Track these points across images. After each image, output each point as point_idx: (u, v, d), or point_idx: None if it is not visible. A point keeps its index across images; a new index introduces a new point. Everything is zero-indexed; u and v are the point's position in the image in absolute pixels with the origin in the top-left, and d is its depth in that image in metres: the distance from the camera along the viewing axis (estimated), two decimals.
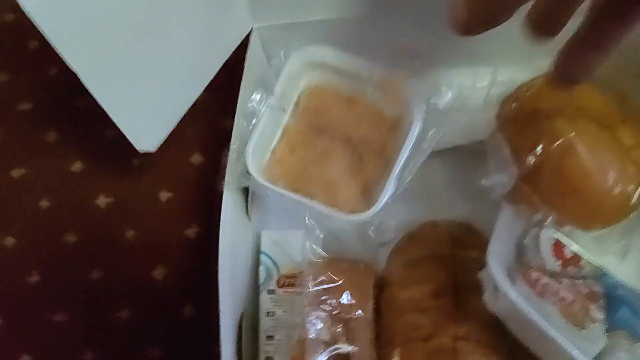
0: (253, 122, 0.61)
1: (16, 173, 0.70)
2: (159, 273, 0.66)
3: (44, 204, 0.69)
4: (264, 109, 0.61)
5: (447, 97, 0.56)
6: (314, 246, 0.54)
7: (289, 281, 0.59)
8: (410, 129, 0.58)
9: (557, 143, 0.53)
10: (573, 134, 0.51)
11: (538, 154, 0.53)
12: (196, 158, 0.69)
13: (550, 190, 0.54)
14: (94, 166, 0.71)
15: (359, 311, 0.54)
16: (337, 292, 0.54)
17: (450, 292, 0.54)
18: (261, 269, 0.60)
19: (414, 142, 0.58)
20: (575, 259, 0.53)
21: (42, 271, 0.68)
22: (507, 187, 0.55)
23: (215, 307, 0.54)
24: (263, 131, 0.61)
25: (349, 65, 0.62)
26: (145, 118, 0.58)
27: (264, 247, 0.60)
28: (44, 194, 0.70)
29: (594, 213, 0.53)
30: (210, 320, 0.59)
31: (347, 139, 0.63)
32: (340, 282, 0.54)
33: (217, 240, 0.55)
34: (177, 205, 0.68)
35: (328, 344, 0.52)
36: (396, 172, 0.57)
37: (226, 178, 0.60)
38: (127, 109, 0.55)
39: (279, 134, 0.63)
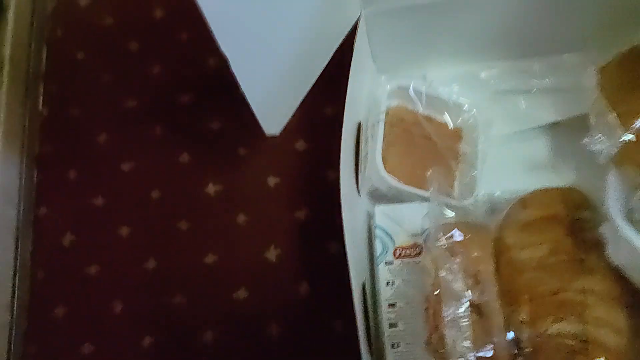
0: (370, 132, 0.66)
1: (126, 167, 0.73)
2: (272, 254, 0.68)
3: (155, 194, 0.71)
4: (379, 122, 0.65)
5: None
6: (441, 209, 0.56)
7: (405, 252, 0.61)
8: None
9: None
10: None
11: None
12: (301, 144, 0.71)
13: None
14: (200, 157, 0.73)
15: (485, 265, 0.56)
16: (465, 246, 0.56)
17: (570, 249, 0.55)
18: (377, 242, 0.61)
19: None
20: None
21: (158, 258, 0.70)
22: (614, 150, 0.57)
23: (330, 284, 0.55)
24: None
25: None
26: (273, 102, 0.60)
27: (378, 221, 0.62)
28: (154, 185, 0.72)
29: None
30: (326, 296, 0.61)
31: (434, 145, 0.68)
32: (468, 236, 0.56)
33: (328, 220, 0.57)
34: (285, 190, 0.71)
35: (461, 295, 0.53)
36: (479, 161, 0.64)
37: (360, 182, 0.65)
38: (260, 93, 0.57)
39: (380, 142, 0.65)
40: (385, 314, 0.59)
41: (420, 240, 0.61)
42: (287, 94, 0.61)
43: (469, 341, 0.51)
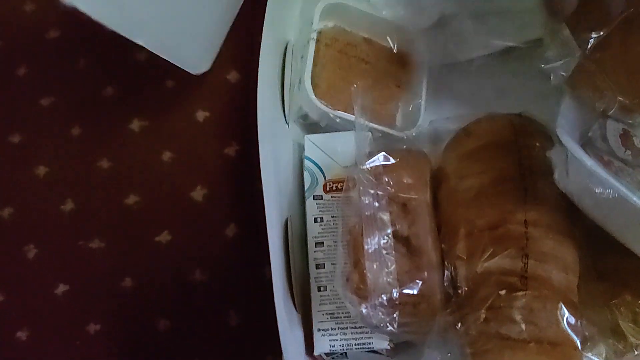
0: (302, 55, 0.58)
1: (45, 102, 0.65)
2: (198, 194, 0.61)
3: (75, 131, 0.63)
4: (310, 42, 0.58)
5: None
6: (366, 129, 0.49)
7: (336, 185, 0.53)
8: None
9: (620, 18, 0.47)
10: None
11: (601, 31, 0.48)
12: (233, 76, 0.64)
13: (615, 70, 0.48)
14: (125, 91, 0.66)
15: (417, 194, 0.48)
16: (394, 171, 0.48)
17: (515, 178, 0.48)
18: (305, 174, 0.54)
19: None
20: None
21: (76, 199, 0.63)
22: (569, 69, 0.49)
23: (260, 225, 0.49)
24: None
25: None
26: (189, 45, 0.56)
27: (307, 152, 0.55)
28: (75, 120, 0.64)
29: None
30: (255, 240, 0.53)
31: (374, 69, 0.61)
32: (396, 161, 0.48)
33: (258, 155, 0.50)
34: (215, 125, 0.63)
35: (385, 225, 0.46)
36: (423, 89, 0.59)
37: (287, 109, 0.58)
38: (168, 43, 0.52)
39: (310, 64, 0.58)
40: (312, 253, 0.51)
41: (354, 174, 0.53)
42: (205, 32, 0.54)
43: (392, 276, 0.43)
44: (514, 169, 0.48)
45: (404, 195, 0.47)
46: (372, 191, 0.46)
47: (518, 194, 0.47)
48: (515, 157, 0.49)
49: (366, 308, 0.45)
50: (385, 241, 0.45)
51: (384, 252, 0.45)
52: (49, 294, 0.59)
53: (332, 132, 0.56)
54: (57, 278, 0.60)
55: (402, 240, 0.47)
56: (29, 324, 0.59)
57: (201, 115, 0.63)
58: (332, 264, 0.52)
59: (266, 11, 0.54)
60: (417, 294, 0.45)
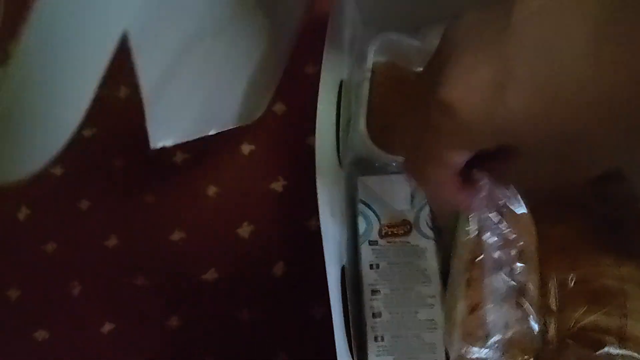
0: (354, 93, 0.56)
1: (87, 132, 0.63)
2: (245, 231, 0.59)
3: (118, 162, 0.62)
4: (364, 82, 0.55)
5: None
6: None
7: (392, 231, 0.51)
8: None
9: None
10: None
11: None
12: (279, 107, 0.61)
13: None
14: None
15: (530, 240, 0.46)
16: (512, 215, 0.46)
17: (605, 230, 0.46)
18: (360, 219, 0.52)
19: None
20: None
21: (120, 235, 0.62)
22: None
23: (309, 264, 0.47)
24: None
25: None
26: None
27: (361, 195, 0.52)
28: (119, 154, 0.63)
29: None
30: (304, 279, 0.52)
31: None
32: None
33: (308, 193, 0.48)
34: (260, 158, 0.61)
35: (505, 266, 0.44)
36: None
37: (342, 151, 0.55)
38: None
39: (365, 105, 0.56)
40: (368, 302, 0.49)
41: (410, 218, 0.51)
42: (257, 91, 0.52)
43: (509, 319, 0.41)
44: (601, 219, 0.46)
45: (518, 240, 0.45)
46: (494, 227, 0.44)
47: (610, 248, 0.45)
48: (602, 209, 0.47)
49: (480, 351, 0.43)
50: (511, 285, 0.43)
51: (507, 298, 0.43)
52: (95, 333, 0.58)
53: (386, 172, 0.53)
54: (104, 316, 0.58)
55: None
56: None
57: (246, 148, 0.61)
58: (389, 312, 0.49)
59: (325, 45, 0.51)
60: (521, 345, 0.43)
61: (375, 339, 0.48)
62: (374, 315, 0.48)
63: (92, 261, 0.59)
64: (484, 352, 0.42)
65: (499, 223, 0.44)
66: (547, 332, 0.44)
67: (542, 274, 0.45)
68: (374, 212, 0.51)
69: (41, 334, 0.58)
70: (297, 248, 0.56)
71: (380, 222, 0.51)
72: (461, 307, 0.43)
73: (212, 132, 0.47)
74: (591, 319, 0.42)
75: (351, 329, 0.48)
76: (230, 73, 0.50)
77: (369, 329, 0.48)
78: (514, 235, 0.44)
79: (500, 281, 0.43)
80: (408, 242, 0.50)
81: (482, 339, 0.42)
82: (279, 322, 0.57)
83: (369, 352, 0.48)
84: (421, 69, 0.56)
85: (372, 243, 0.50)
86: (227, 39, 0.48)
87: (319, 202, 0.47)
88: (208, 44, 0.44)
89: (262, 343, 0.56)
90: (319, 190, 0.47)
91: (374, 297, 0.49)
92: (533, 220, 0.47)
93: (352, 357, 0.48)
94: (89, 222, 0.60)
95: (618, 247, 0.44)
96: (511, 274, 0.43)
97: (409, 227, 0.50)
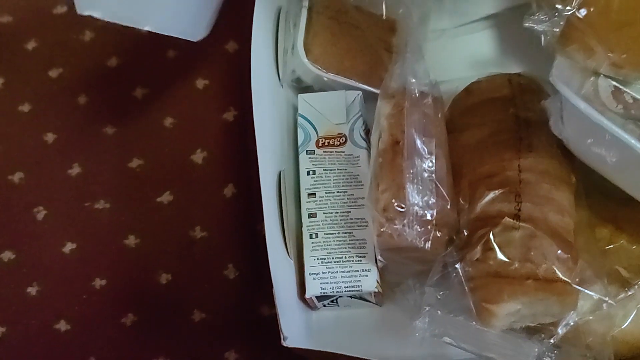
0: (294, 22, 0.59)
1: (54, 73, 0.66)
2: (198, 157, 0.62)
3: (82, 99, 0.65)
4: (302, 10, 0.58)
5: None
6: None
7: (328, 141, 0.55)
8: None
9: None
10: None
11: None
12: (231, 45, 0.65)
13: (601, 26, 0.49)
14: (129, 61, 0.66)
15: (441, 129, 0.50)
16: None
17: (512, 129, 0.49)
18: (299, 131, 0.55)
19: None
20: (638, 103, 0.47)
21: (82, 163, 0.64)
22: (557, 29, 0.50)
23: (256, 184, 0.50)
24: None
25: None
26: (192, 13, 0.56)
27: (301, 110, 0.56)
28: (82, 90, 0.65)
29: None
30: (252, 198, 0.55)
31: (364, 35, 0.60)
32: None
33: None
34: (214, 92, 0.64)
35: (424, 153, 0.47)
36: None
37: (281, 73, 0.58)
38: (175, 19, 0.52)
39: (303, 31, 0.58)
40: (305, 204, 0.52)
41: (345, 130, 0.55)
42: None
43: (432, 198, 0.45)
44: (511, 121, 0.48)
45: (434, 130, 0.48)
46: (415, 117, 0.47)
47: (514, 144, 0.47)
48: (511, 110, 0.49)
49: (402, 225, 0.46)
50: (428, 165, 0.46)
51: (425, 175, 0.46)
52: (57, 252, 0.60)
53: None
54: (65, 237, 0.60)
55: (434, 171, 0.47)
56: (38, 279, 0.60)
57: (201, 83, 0.64)
58: (323, 213, 0.53)
59: None
60: (443, 221, 0.46)
61: (311, 236, 0.51)
62: (309, 216, 0.51)
63: (56, 188, 0.61)
64: (401, 227, 0.45)
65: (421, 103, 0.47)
66: (459, 224, 0.47)
67: (456, 174, 0.49)
68: (312, 125, 0.54)
69: (7, 255, 0.61)
70: (246, 170, 0.59)
71: (317, 134, 0.54)
72: (382, 187, 0.46)
73: (146, 28, 0.49)
74: (492, 205, 0.46)
75: (287, 228, 0.51)
76: None
77: (304, 228, 0.51)
78: (431, 125, 0.48)
79: (420, 164, 0.47)
80: (343, 152, 0.53)
81: (400, 216, 0.46)
82: (229, 238, 0.59)
83: (304, 248, 0.51)
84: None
85: (309, 152, 0.53)
86: None
87: (254, 116, 0.50)
88: None
89: (213, 256, 0.58)
90: (254, 105, 0.51)
91: (309, 199, 0.52)
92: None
93: (288, 252, 0.51)
94: (54, 153, 0.62)
95: (522, 141, 0.47)
96: (430, 159, 0.46)
97: (344, 138, 0.54)
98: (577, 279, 0.43)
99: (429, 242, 0.43)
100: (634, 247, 0.46)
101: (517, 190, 0.44)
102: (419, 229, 0.43)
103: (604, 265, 0.45)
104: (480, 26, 0.61)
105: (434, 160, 0.45)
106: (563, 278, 0.42)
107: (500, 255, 0.42)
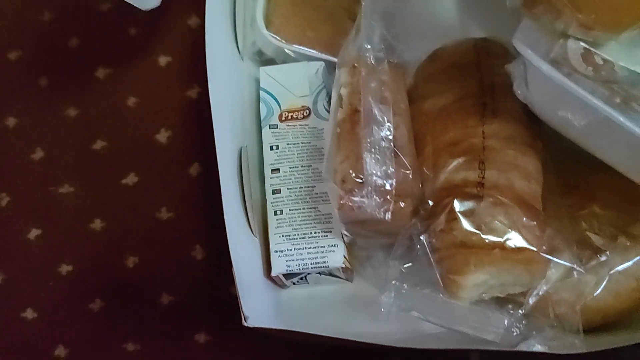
0: None
1: (12, 55, 0.64)
2: (162, 136, 0.60)
3: (43, 82, 0.63)
4: None
5: None
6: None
7: (292, 115, 0.53)
8: None
9: None
10: None
11: None
12: (193, 20, 0.63)
13: None
14: (90, 41, 0.65)
15: (401, 97, 0.49)
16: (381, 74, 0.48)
17: (476, 95, 0.47)
18: (261, 105, 0.53)
19: None
20: (609, 65, 0.46)
21: (46, 147, 0.62)
22: None
23: None
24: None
25: None
26: None
27: (263, 84, 0.54)
28: (42, 72, 0.63)
29: (621, 7, 0.46)
30: (218, 176, 0.53)
31: (326, 4, 0.60)
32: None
33: None
34: (177, 69, 0.62)
35: (382, 121, 0.46)
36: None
37: (240, 46, 0.57)
38: None
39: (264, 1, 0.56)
40: (269, 180, 0.51)
41: (309, 103, 0.53)
42: None
43: (391, 168, 0.43)
44: (475, 86, 0.47)
45: (391, 97, 0.46)
46: (371, 84, 0.45)
47: (478, 110, 0.46)
48: (476, 75, 0.47)
49: (361, 196, 0.44)
50: (386, 134, 0.45)
51: (383, 144, 0.45)
52: (22, 239, 0.58)
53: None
54: (30, 223, 0.59)
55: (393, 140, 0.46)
56: (3, 267, 0.58)
57: (163, 60, 0.62)
58: (287, 189, 0.51)
59: None
60: (399, 192, 0.45)
61: (275, 213, 0.49)
62: (273, 192, 0.50)
63: (20, 173, 0.60)
64: (360, 199, 0.44)
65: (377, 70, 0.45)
66: (424, 194, 0.46)
67: (419, 143, 0.47)
68: (274, 98, 0.52)
69: None
70: (211, 149, 0.56)
71: (280, 108, 0.52)
72: (340, 157, 0.45)
73: None
74: (456, 174, 0.44)
75: (250, 206, 0.49)
76: None
77: (269, 204, 0.49)
78: (388, 92, 0.46)
79: (377, 133, 0.45)
80: (307, 125, 0.51)
81: (359, 187, 0.44)
82: (196, 218, 0.58)
83: (269, 225, 0.49)
84: None
85: (272, 127, 0.52)
86: None
87: (210, 91, 0.48)
88: None
89: (180, 238, 0.57)
90: (209, 81, 0.49)
91: (273, 175, 0.50)
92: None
93: (252, 230, 0.49)
94: (15, 138, 0.61)
95: (486, 107, 0.46)
96: (388, 128, 0.44)
97: (307, 111, 0.52)
98: (544, 247, 0.41)
99: (389, 212, 0.41)
100: (606, 212, 0.44)
101: (481, 158, 0.42)
102: (378, 200, 0.41)
103: (574, 231, 0.44)
104: None
105: (392, 129, 0.43)
106: (530, 247, 0.40)
107: (464, 225, 0.41)
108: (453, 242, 0.41)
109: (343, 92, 0.44)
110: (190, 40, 0.61)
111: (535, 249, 0.40)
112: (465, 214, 0.41)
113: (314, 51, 0.53)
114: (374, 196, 0.41)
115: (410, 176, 0.43)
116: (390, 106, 0.44)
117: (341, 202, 0.42)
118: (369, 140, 0.42)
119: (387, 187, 0.42)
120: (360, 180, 0.42)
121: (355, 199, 0.41)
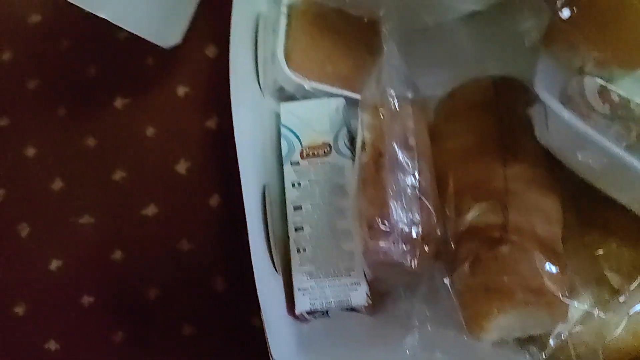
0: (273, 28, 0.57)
1: (31, 84, 0.65)
2: (182, 167, 0.61)
3: (61, 111, 0.64)
4: (281, 16, 0.57)
5: None
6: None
7: (313, 152, 0.53)
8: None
9: None
10: None
11: None
12: (211, 50, 0.63)
13: (587, 25, 0.47)
14: (108, 70, 0.65)
15: (424, 138, 0.49)
16: (401, 115, 0.49)
17: (496, 136, 0.47)
18: (282, 142, 0.54)
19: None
20: (624, 102, 0.47)
21: (65, 178, 0.62)
22: (541, 29, 0.49)
23: (241, 194, 0.49)
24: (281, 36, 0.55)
25: None
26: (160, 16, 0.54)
27: (284, 120, 0.55)
28: (61, 101, 0.64)
29: (636, 44, 0.47)
30: (238, 207, 0.54)
31: (345, 39, 0.59)
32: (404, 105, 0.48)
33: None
34: (195, 99, 0.62)
35: (409, 165, 0.46)
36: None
37: (262, 81, 0.56)
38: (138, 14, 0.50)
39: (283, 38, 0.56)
40: (291, 217, 0.51)
41: (329, 140, 0.53)
42: (171, 2, 0.53)
43: (417, 215, 0.44)
44: (495, 127, 0.47)
45: (412, 139, 0.47)
46: (394, 130, 0.46)
47: (499, 152, 0.46)
48: (496, 116, 0.48)
49: (388, 243, 0.45)
50: (411, 181, 0.45)
51: (409, 191, 0.45)
52: (42, 269, 0.59)
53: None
54: (50, 254, 0.59)
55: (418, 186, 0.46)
56: (26, 299, 0.58)
57: (182, 90, 0.62)
58: (310, 226, 0.52)
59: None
60: (430, 235, 0.45)
61: (298, 250, 0.50)
62: (296, 230, 0.50)
63: (39, 203, 0.60)
64: (387, 245, 0.45)
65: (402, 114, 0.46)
66: (447, 235, 0.47)
67: (442, 184, 0.48)
68: (295, 135, 0.53)
69: None
70: (231, 180, 0.57)
71: (301, 145, 0.53)
72: (365, 203, 0.46)
73: (102, 15, 0.50)
74: (479, 217, 0.45)
75: (274, 243, 0.50)
76: None
77: (292, 242, 0.50)
78: (412, 137, 0.47)
79: (403, 180, 0.46)
80: (328, 162, 0.52)
81: (385, 233, 0.45)
82: (216, 249, 0.58)
83: (292, 263, 0.50)
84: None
85: (293, 164, 0.52)
86: None
87: (235, 127, 0.49)
88: None
89: (201, 269, 0.58)
90: (234, 116, 0.49)
91: (296, 212, 0.51)
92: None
93: (275, 268, 0.50)
94: (35, 167, 0.62)
95: (508, 149, 0.46)
96: (413, 173, 0.45)
97: (328, 148, 0.53)
98: (566, 291, 0.42)
99: (416, 259, 0.42)
100: (624, 250, 0.45)
101: (504, 201, 0.43)
102: (405, 248, 0.42)
103: (593, 270, 0.45)
104: (463, 24, 0.58)
105: (417, 175, 0.43)
106: (552, 291, 0.41)
107: (488, 269, 0.41)
108: (476, 285, 0.42)
109: (367, 135, 0.45)
110: (208, 70, 0.61)
111: (557, 293, 0.41)
112: (488, 258, 0.42)
113: (334, 87, 0.53)
114: (401, 243, 0.42)
115: (434, 220, 0.43)
116: (415, 151, 0.44)
117: (367, 246, 0.42)
118: (394, 187, 0.43)
119: (414, 234, 0.43)
120: (385, 227, 0.42)
121: (382, 244, 0.42)
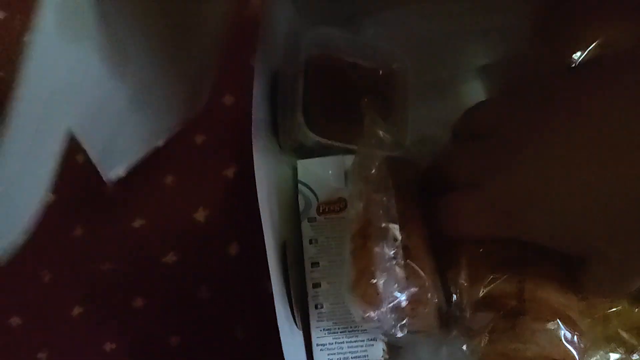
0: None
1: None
2: (200, 215, 0.62)
3: (79, 158, 0.65)
4: (297, 74, 0.57)
5: None
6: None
7: (329, 207, 0.55)
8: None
9: None
10: None
11: None
12: (228, 99, 0.65)
13: None
14: None
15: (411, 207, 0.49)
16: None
17: None
18: (300, 198, 0.55)
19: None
20: None
21: (85, 225, 0.64)
22: None
23: (260, 243, 0.51)
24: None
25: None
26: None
27: (301, 176, 0.56)
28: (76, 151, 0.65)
29: None
30: (257, 256, 0.55)
31: (361, 93, 0.60)
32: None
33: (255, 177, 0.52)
34: (213, 147, 0.64)
35: (394, 234, 0.47)
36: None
37: (280, 138, 0.58)
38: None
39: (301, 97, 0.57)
40: (309, 274, 0.53)
41: (345, 194, 0.55)
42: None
43: (401, 284, 0.45)
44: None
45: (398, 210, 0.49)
46: (378, 197, 0.47)
47: None
48: None
49: (378, 315, 0.45)
50: (394, 251, 0.47)
51: (394, 261, 0.47)
52: (65, 316, 0.60)
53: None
54: (72, 301, 0.61)
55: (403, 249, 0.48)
56: (48, 345, 0.61)
57: (199, 138, 0.64)
58: (327, 282, 0.53)
59: (260, 37, 0.52)
60: (417, 299, 0.47)
61: (316, 307, 0.52)
62: (314, 286, 0.52)
63: (61, 250, 0.62)
64: (378, 316, 0.46)
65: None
66: (462, 303, 0.48)
67: (453, 250, 0.49)
68: (312, 191, 0.55)
69: (15, 320, 0.61)
70: (249, 229, 0.59)
71: (318, 201, 0.54)
72: (354, 274, 0.47)
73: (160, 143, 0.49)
74: (494, 286, 0.46)
75: (294, 299, 0.52)
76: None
77: (310, 298, 0.52)
78: (394, 208, 0.48)
79: (386, 247, 0.47)
80: (344, 218, 0.54)
81: (375, 305, 0.46)
82: (236, 298, 0.60)
83: (310, 319, 0.51)
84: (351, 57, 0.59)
85: (311, 220, 0.54)
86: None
87: (257, 185, 0.50)
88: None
89: (220, 318, 0.59)
90: (256, 175, 0.51)
91: (313, 269, 0.52)
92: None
93: (296, 323, 0.52)
94: (56, 215, 0.63)
95: None
96: (398, 246, 0.46)
97: (344, 203, 0.54)
98: (580, 354, 0.43)
99: (406, 329, 0.44)
100: (636, 310, 0.46)
101: (520, 271, 0.44)
102: (395, 318, 0.44)
103: (606, 328, 0.46)
104: (470, 76, 0.60)
105: (400, 244, 0.45)
106: (568, 357, 0.42)
107: (506, 338, 0.43)
108: (494, 353, 0.43)
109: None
110: (225, 118, 0.62)
111: (572, 359, 0.42)
112: (505, 328, 0.43)
113: (350, 145, 0.54)
114: (390, 314, 0.44)
115: (427, 284, 0.44)
116: (398, 222, 0.45)
117: (361, 317, 0.44)
118: (382, 256, 0.44)
119: (403, 304, 0.44)
120: (375, 300, 0.44)
121: (373, 316, 0.44)
